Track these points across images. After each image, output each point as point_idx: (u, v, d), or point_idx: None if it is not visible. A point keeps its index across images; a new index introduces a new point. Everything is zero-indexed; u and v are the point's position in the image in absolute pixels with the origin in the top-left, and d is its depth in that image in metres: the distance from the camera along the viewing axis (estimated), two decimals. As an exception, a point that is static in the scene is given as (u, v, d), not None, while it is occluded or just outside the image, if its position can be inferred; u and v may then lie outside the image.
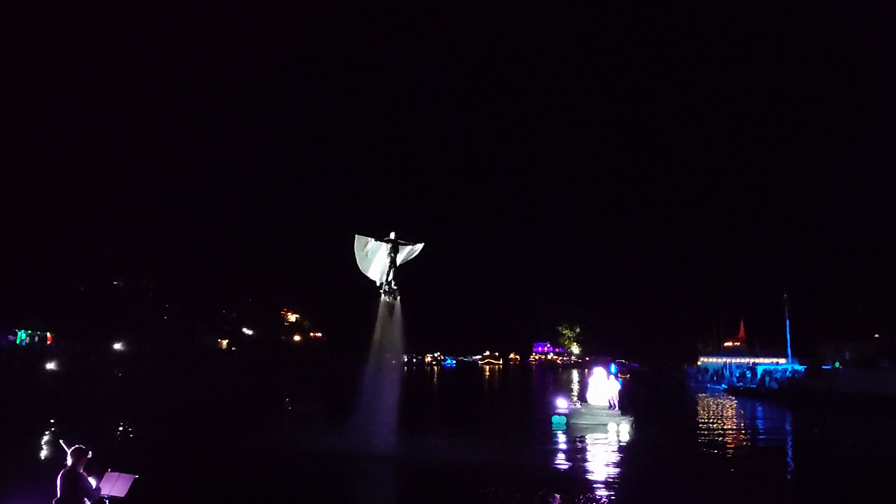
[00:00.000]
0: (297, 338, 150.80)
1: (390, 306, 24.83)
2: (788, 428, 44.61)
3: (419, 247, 25.81)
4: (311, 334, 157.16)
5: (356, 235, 25.06)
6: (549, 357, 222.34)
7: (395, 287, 24.94)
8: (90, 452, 10.53)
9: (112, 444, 26.89)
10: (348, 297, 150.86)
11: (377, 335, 24.80)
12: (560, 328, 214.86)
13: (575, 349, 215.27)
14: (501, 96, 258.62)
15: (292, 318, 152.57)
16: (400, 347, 25.54)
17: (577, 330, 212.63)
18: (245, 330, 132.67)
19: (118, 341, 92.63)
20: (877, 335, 69.57)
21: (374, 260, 25.19)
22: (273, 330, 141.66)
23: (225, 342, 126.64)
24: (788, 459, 30.96)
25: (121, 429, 31.82)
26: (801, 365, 75.24)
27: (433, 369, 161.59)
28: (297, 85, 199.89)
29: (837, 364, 67.50)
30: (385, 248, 25.03)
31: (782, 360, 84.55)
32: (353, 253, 25.10)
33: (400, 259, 25.21)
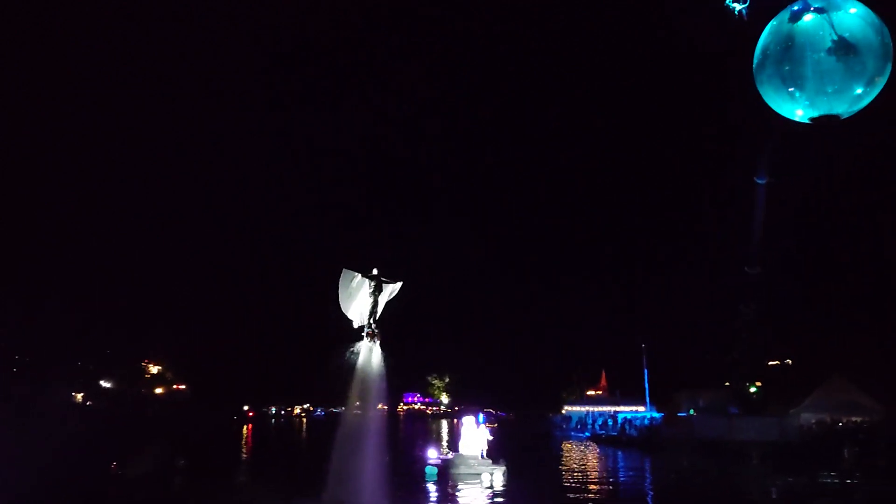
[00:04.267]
0: (158, 390, 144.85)
1: (370, 350, 23.53)
2: (647, 474, 46.62)
3: (398, 285, 24.47)
4: (175, 386, 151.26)
5: (344, 269, 23.56)
6: (418, 407, 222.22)
7: (377, 330, 23.60)
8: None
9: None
10: (217, 347, 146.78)
11: (357, 381, 23.52)
12: (430, 378, 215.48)
13: (444, 399, 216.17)
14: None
15: (154, 369, 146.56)
16: (381, 394, 24.14)
17: (447, 380, 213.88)
18: (102, 382, 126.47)
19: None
20: (727, 383, 73.59)
21: (356, 299, 23.65)
22: (133, 382, 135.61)
23: (80, 396, 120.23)
24: (648, 500, 32.60)
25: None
26: (658, 413, 78.73)
27: (302, 421, 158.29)
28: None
29: (692, 411, 70.98)
30: (367, 285, 23.58)
31: (641, 408, 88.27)
32: (338, 289, 23.54)
33: (382, 299, 23.86)
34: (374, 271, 23.66)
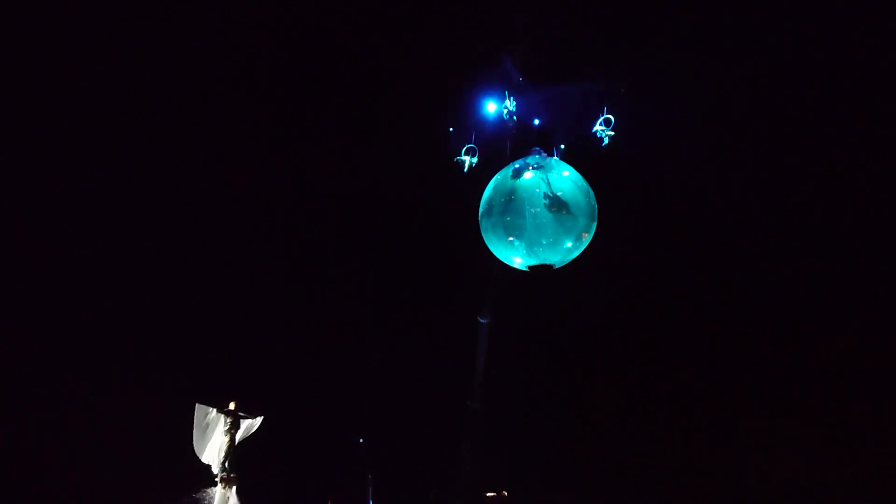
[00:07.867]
0: None
1: (224, 499, 18.86)
2: None
3: (259, 420, 19.92)
4: None
5: (197, 405, 18.99)
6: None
7: (233, 475, 18.90)
8: None
9: None
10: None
11: None
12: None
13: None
14: None
15: None
16: None
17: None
18: None
19: None
20: (449, 516, 74.46)
21: (212, 438, 18.84)
22: None
23: None
24: None
25: None
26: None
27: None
28: None
29: (413, 546, 70.66)
30: (223, 422, 18.86)
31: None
32: (192, 428, 18.84)
33: (238, 436, 19.16)
34: (232, 405, 19.99)
